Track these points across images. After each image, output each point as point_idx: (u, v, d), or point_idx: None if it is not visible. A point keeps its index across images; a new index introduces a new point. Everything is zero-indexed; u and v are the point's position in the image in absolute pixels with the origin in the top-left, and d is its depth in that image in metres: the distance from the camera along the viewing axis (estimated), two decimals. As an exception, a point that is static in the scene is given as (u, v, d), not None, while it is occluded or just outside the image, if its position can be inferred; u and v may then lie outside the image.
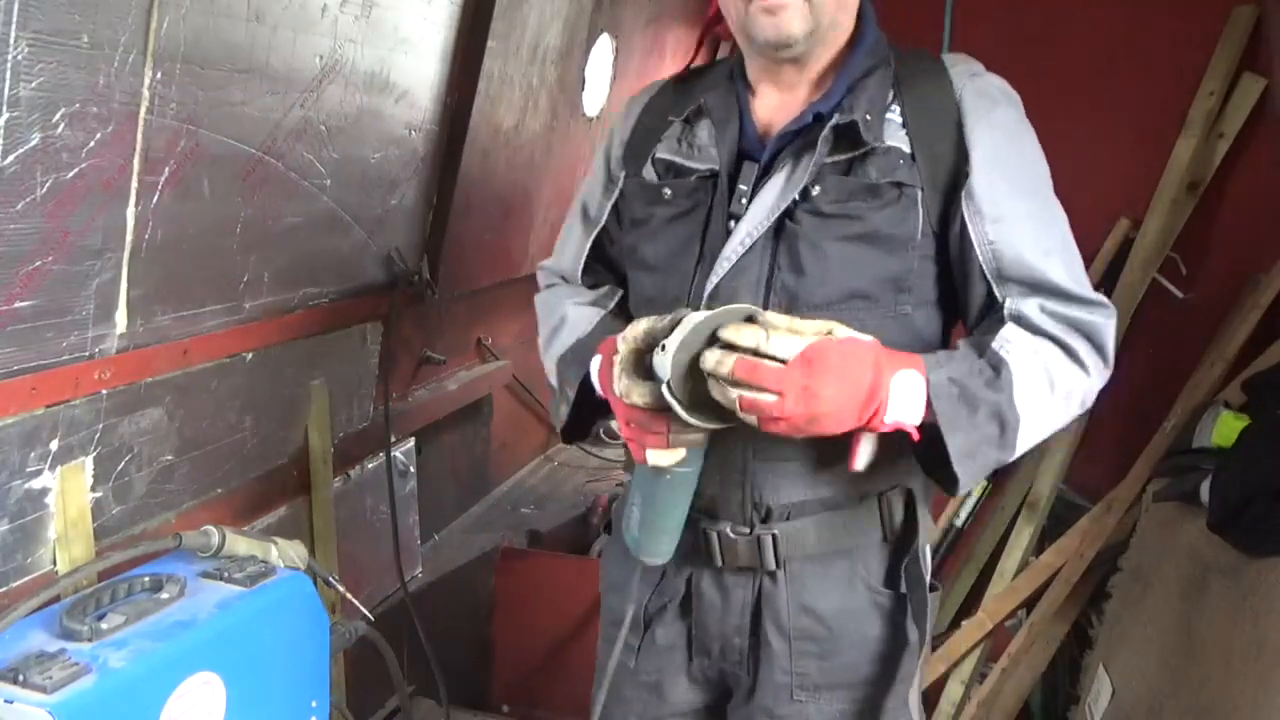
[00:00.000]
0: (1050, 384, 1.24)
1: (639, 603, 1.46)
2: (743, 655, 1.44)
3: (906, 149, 1.30)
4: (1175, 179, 2.68)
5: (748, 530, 1.37)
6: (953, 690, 2.83)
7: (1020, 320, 1.27)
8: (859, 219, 1.29)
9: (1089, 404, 1.31)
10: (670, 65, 4.61)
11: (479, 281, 3.27)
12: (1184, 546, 2.29)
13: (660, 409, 1.17)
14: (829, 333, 1.15)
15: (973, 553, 3.00)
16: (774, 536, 1.36)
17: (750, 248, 1.30)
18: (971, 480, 1.22)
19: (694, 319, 1.14)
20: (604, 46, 3.83)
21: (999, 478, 2.97)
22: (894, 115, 1.32)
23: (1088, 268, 2.26)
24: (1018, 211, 1.29)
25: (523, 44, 2.99)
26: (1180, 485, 2.39)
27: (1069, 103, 2.76)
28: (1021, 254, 1.27)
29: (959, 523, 2.98)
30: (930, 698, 2.82)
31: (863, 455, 1.20)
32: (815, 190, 1.29)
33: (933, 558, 1.49)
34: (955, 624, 2.93)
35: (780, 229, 1.31)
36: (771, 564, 1.37)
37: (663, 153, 1.43)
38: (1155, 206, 2.71)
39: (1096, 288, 1.32)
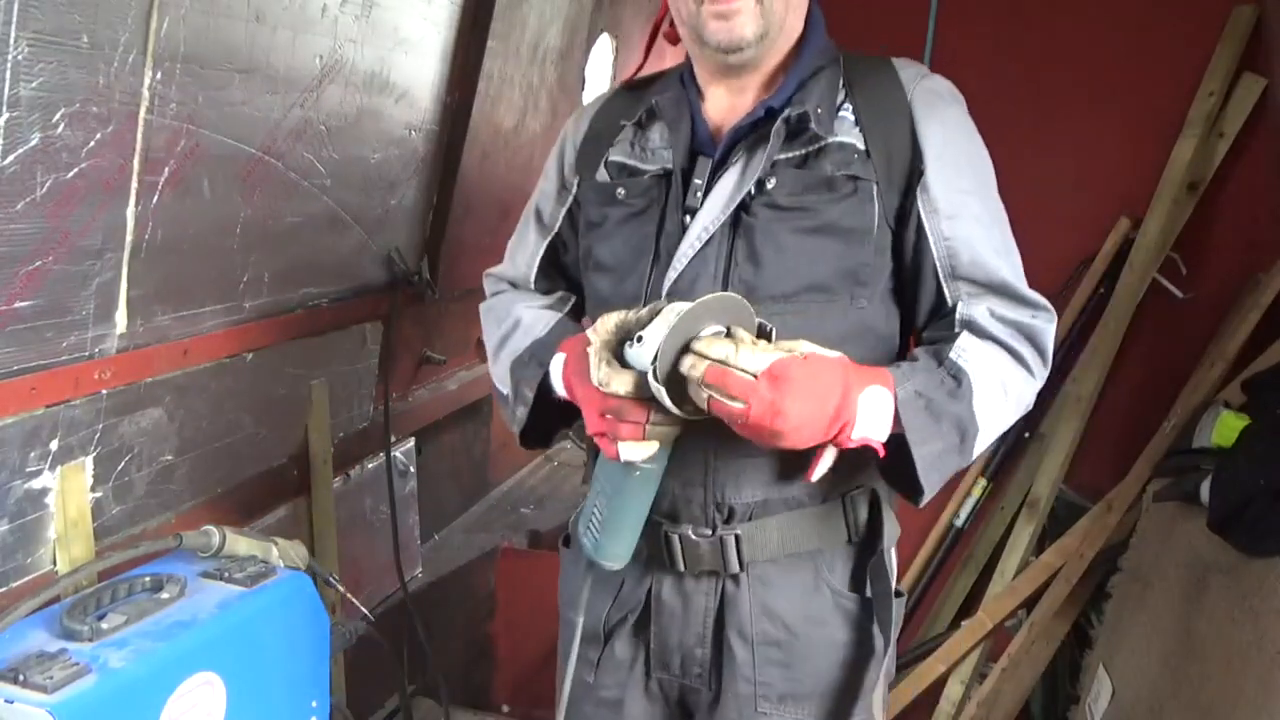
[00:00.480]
0: (1004, 391, 1.27)
1: (596, 615, 1.44)
2: (704, 667, 1.40)
3: (860, 145, 1.31)
4: (1175, 179, 2.67)
5: (710, 531, 1.34)
6: (953, 690, 2.83)
7: (971, 326, 1.29)
8: (815, 211, 1.29)
9: (1030, 405, 1.35)
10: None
11: (479, 281, 3.26)
12: (1184, 546, 2.29)
13: (639, 399, 1.17)
14: (790, 351, 1.14)
15: (973, 553, 3.00)
16: (736, 537, 1.33)
17: (707, 242, 1.30)
18: (934, 489, 1.23)
19: (677, 309, 1.14)
20: (604, 46, 3.83)
21: (999, 478, 2.97)
22: (846, 113, 1.33)
23: (1088, 267, 2.26)
24: (971, 209, 1.31)
25: (523, 44, 2.99)
26: (1180, 485, 2.39)
27: (1069, 102, 2.76)
28: (976, 252, 1.30)
29: (959, 523, 2.98)
30: (930, 698, 2.82)
31: (821, 467, 1.19)
32: (771, 183, 1.29)
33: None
34: (955, 624, 2.92)
35: (736, 222, 1.30)
36: (735, 566, 1.34)
37: (616, 155, 1.44)
38: (1155, 206, 2.71)
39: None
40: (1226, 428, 2.33)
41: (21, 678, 1.24)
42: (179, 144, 1.72)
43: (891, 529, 1.39)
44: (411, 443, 2.89)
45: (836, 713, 1.39)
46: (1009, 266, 1.31)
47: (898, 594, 1.40)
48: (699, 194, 1.33)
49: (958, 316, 1.30)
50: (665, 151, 1.38)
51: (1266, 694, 1.81)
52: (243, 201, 1.95)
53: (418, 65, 2.43)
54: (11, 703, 1.21)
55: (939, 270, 1.31)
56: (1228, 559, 2.09)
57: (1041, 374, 1.32)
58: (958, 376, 1.24)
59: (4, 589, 1.59)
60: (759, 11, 1.28)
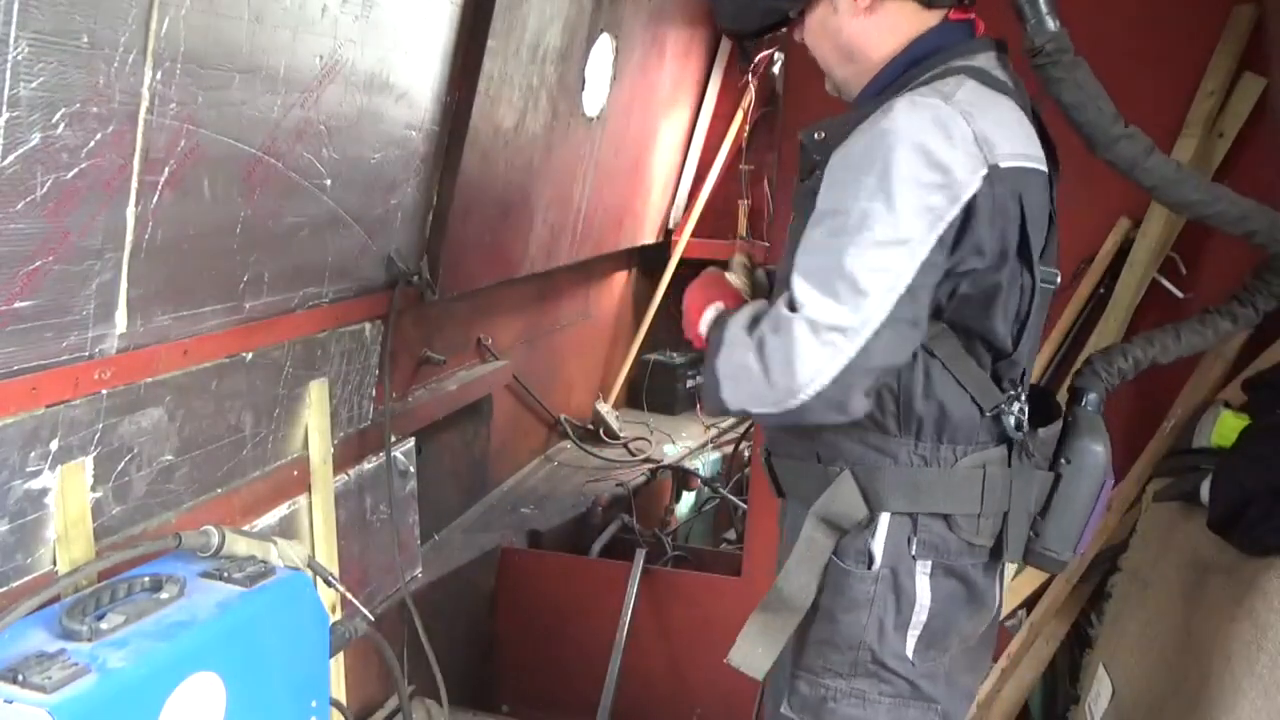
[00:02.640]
0: (731, 345, 1.44)
1: None
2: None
3: None
4: (1175, 179, 2.68)
5: (765, 456, 1.68)
6: (953, 690, 2.83)
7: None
8: (802, 217, 1.48)
9: (761, 403, 1.40)
10: (670, 65, 4.62)
11: (479, 281, 3.27)
12: (1184, 546, 2.29)
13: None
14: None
15: (973, 553, 3.00)
16: (771, 465, 1.66)
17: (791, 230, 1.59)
18: (710, 396, 1.46)
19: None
20: (604, 46, 3.83)
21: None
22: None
23: (1088, 267, 2.23)
24: (810, 232, 1.44)
25: (523, 44, 2.99)
26: (1180, 485, 2.38)
27: (1069, 103, 2.76)
28: (792, 261, 1.44)
29: (959, 523, 2.98)
30: (930, 698, 2.81)
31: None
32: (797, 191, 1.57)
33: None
34: (955, 624, 2.92)
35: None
36: (778, 489, 1.68)
37: None
38: (1155, 206, 2.71)
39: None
40: (1226, 428, 2.32)
41: (21, 678, 1.24)
42: (179, 144, 1.72)
43: (877, 508, 1.50)
44: (411, 443, 2.89)
45: (769, 627, 1.56)
46: (801, 278, 1.38)
47: (872, 570, 1.50)
48: None
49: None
50: None
51: (1266, 694, 1.81)
52: (243, 201, 1.95)
53: (418, 65, 2.43)
54: (11, 703, 1.22)
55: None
56: (1227, 559, 2.09)
57: (779, 370, 1.37)
58: (725, 323, 1.48)
59: (4, 589, 1.59)
60: (828, 79, 1.61)
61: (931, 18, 1.51)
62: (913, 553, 1.49)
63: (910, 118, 1.36)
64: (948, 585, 1.52)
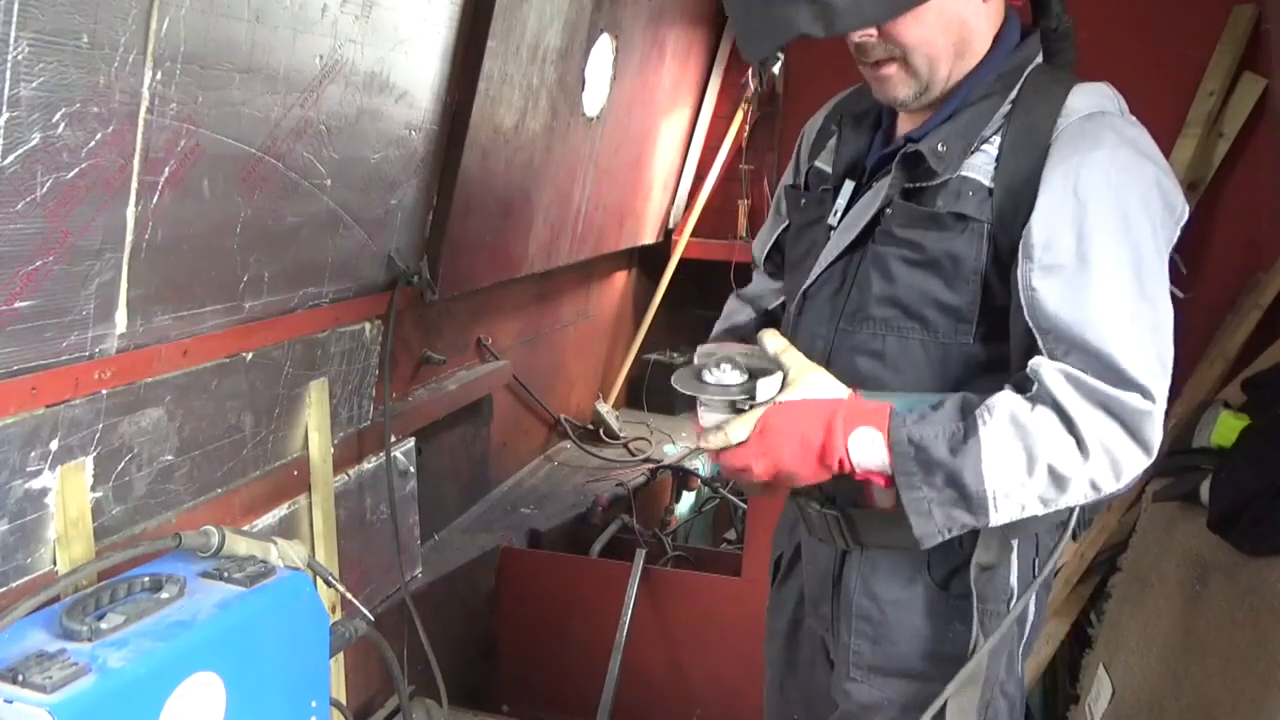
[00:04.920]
0: (1029, 462, 1.20)
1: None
2: (828, 623, 1.53)
3: (987, 182, 1.29)
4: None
5: (818, 506, 1.45)
6: (953, 690, 2.83)
7: (1036, 379, 1.22)
8: (921, 246, 1.32)
9: (1106, 488, 1.23)
10: (670, 65, 4.62)
11: (479, 281, 3.27)
12: (1184, 546, 2.29)
13: None
14: (785, 381, 1.28)
15: (973, 553, 3.00)
16: (842, 517, 1.42)
17: (835, 260, 1.41)
18: (931, 533, 1.25)
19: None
20: (604, 46, 3.83)
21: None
22: (990, 146, 1.31)
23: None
24: (1069, 260, 1.23)
25: (523, 44, 2.99)
26: (1180, 485, 2.39)
27: (1069, 103, 2.76)
28: (1061, 309, 1.22)
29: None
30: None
31: (875, 494, 1.32)
32: (888, 213, 1.35)
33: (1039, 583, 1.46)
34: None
35: (864, 244, 1.38)
36: (843, 542, 1.45)
37: (819, 161, 1.53)
38: (1155, 206, 2.71)
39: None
40: (1226, 428, 2.33)
41: (21, 678, 1.23)
42: (179, 144, 1.72)
43: (1001, 543, 1.37)
44: (411, 443, 2.89)
45: (914, 702, 1.41)
46: (1107, 333, 1.20)
47: (1009, 608, 1.37)
48: (838, 215, 1.43)
49: (1029, 366, 1.24)
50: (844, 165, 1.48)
51: (1266, 694, 1.81)
52: (243, 201, 1.95)
53: (418, 65, 2.43)
54: (11, 703, 1.21)
55: (1027, 318, 1.25)
56: (1227, 559, 2.09)
57: (1129, 458, 1.21)
58: (969, 430, 1.21)
59: (4, 589, 1.59)
60: (907, 74, 1.31)
61: (1004, 9, 1.38)
62: (1035, 573, 1.41)
63: (1141, 133, 1.29)
64: (1043, 592, 1.48)
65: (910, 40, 1.27)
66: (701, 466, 4.42)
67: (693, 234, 5.18)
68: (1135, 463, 1.22)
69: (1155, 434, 1.21)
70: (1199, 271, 2.75)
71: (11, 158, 1.40)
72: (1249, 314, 2.58)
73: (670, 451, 4.61)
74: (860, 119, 1.48)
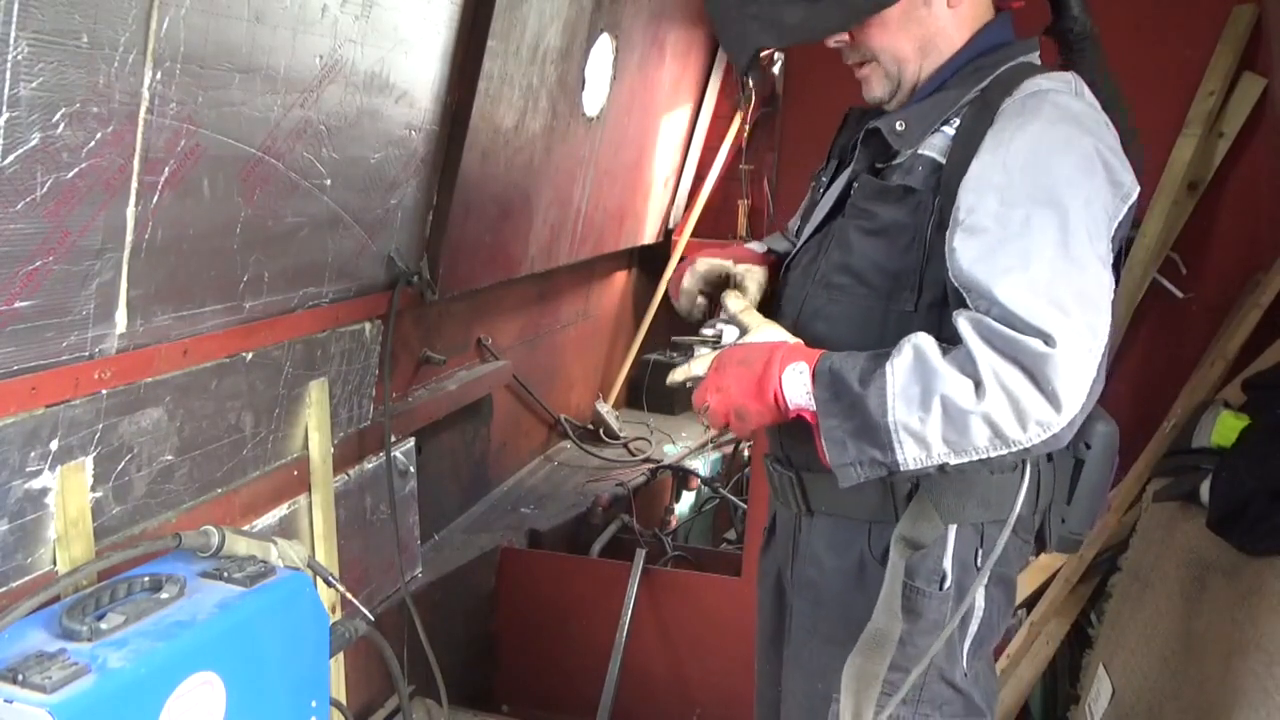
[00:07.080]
0: (924, 395, 1.23)
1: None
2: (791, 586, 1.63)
3: (940, 158, 1.39)
4: (1175, 179, 2.67)
5: (780, 466, 1.57)
6: (953, 690, 2.83)
7: (957, 329, 1.26)
8: (875, 215, 1.43)
9: (1010, 433, 1.23)
10: (670, 65, 4.62)
11: (479, 281, 3.27)
12: (1184, 546, 2.29)
13: None
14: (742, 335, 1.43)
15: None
16: (797, 479, 1.53)
17: (814, 232, 1.55)
18: (844, 464, 1.30)
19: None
20: (604, 46, 3.83)
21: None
22: (950, 128, 1.40)
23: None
24: (990, 223, 1.27)
25: (523, 44, 2.99)
26: (1180, 485, 2.39)
27: (1069, 103, 2.76)
28: (975, 264, 1.27)
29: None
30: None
31: (821, 448, 1.34)
32: (855, 188, 1.48)
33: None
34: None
35: (836, 219, 1.51)
36: (800, 504, 1.54)
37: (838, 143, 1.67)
38: (1155, 206, 2.71)
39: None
40: (1226, 428, 2.33)
41: (21, 678, 1.24)
42: (179, 144, 1.72)
43: (932, 523, 1.41)
44: (411, 443, 2.89)
45: (864, 673, 1.41)
46: (1015, 286, 1.23)
47: (948, 587, 1.43)
48: (822, 192, 1.60)
49: (954, 318, 1.28)
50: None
51: (1266, 694, 1.81)
52: (243, 201, 1.95)
53: (417, 65, 2.43)
54: (11, 703, 1.22)
55: (952, 275, 1.30)
56: (1227, 559, 2.09)
57: (1014, 399, 1.21)
58: (879, 363, 1.27)
59: (4, 589, 1.59)
60: (882, 74, 1.46)
61: (991, 10, 1.47)
62: (978, 564, 1.44)
63: (1083, 105, 1.34)
64: (997, 591, 1.50)
65: (875, 45, 1.44)
66: (701, 466, 4.42)
67: (693, 234, 5.19)
68: (1039, 410, 1.21)
69: (1062, 383, 1.20)
70: (1199, 271, 2.76)
71: (11, 158, 1.40)
72: (1249, 314, 2.58)
73: (670, 451, 4.61)
74: (865, 111, 1.58)
